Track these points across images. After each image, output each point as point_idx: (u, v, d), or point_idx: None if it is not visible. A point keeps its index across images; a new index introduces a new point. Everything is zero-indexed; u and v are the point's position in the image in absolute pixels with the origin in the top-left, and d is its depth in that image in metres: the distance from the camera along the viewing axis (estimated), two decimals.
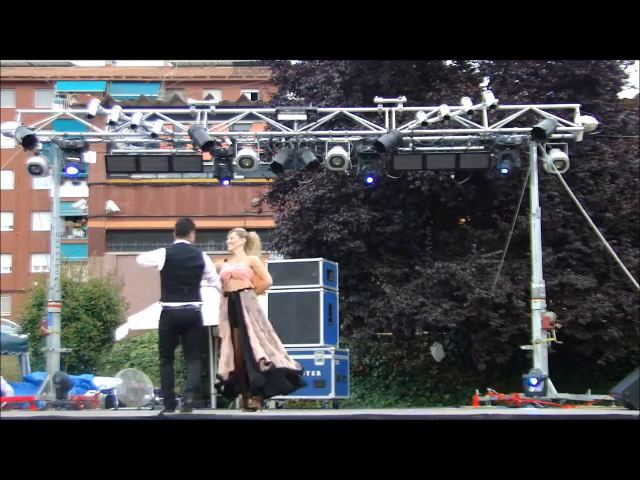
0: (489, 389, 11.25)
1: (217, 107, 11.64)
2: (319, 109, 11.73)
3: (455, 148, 11.49)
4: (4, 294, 26.79)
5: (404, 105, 11.40)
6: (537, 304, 10.84)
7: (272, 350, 7.76)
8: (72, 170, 11.36)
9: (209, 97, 22.22)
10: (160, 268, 7.60)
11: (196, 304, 7.63)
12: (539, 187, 11.37)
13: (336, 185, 13.74)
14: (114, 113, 11.12)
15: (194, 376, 7.85)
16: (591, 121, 11.40)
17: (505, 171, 11.17)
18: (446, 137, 11.53)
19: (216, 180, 11.88)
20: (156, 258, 7.66)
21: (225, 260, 8.07)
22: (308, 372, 10.38)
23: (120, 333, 15.27)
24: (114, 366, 18.07)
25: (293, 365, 7.90)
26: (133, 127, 11.20)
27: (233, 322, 7.82)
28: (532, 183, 11.20)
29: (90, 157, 12.18)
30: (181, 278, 7.60)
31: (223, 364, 7.86)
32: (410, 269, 13.57)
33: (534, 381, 10.29)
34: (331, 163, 11.25)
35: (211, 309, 8.21)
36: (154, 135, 11.19)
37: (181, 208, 25.79)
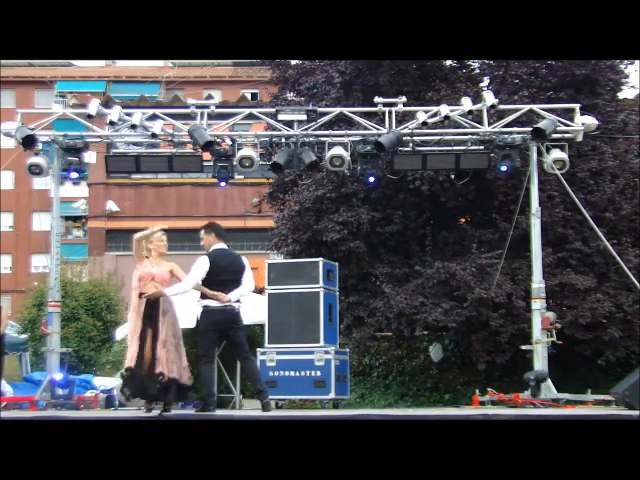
0: (489, 389, 11.25)
1: (217, 107, 11.64)
2: (319, 109, 11.72)
3: (455, 148, 11.49)
4: (4, 294, 26.78)
5: (404, 105, 11.40)
6: (537, 304, 10.84)
7: (174, 358, 7.71)
8: (73, 174, 11.42)
9: (209, 97, 22.22)
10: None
11: (235, 305, 7.93)
12: (539, 187, 11.37)
13: (336, 185, 13.74)
14: (114, 113, 11.11)
15: (256, 374, 8.19)
16: (591, 121, 11.40)
17: (504, 169, 11.17)
18: (446, 137, 11.53)
19: (216, 180, 11.88)
20: (204, 271, 7.87)
21: (146, 257, 8.00)
22: (308, 372, 10.41)
23: (120, 333, 15.25)
24: (114, 366, 18.04)
25: (186, 379, 7.82)
26: (133, 127, 11.20)
27: (147, 323, 7.70)
28: (532, 183, 11.20)
29: (90, 157, 12.19)
30: (223, 281, 7.88)
31: (127, 360, 7.69)
32: (410, 269, 13.56)
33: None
34: (331, 163, 11.25)
35: (247, 309, 8.49)
36: (154, 135, 11.19)
37: (181, 208, 25.82)
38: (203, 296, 7.90)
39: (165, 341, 7.67)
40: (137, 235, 8.01)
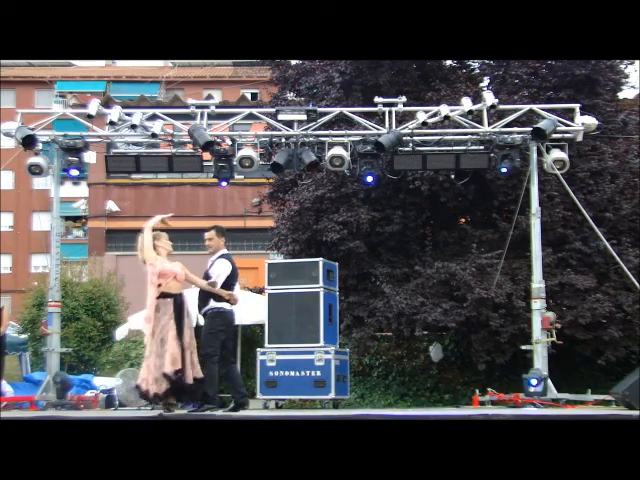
0: (489, 389, 11.25)
1: (217, 107, 11.65)
2: (319, 109, 11.72)
3: (455, 148, 11.49)
4: (4, 294, 26.79)
5: (404, 105, 11.40)
6: (537, 304, 10.84)
7: (195, 360, 7.54)
8: (74, 172, 11.40)
9: (209, 97, 22.21)
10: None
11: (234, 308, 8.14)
12: (539, 187, 11.38)
13: (336, 185, 13.72)
14: (114, 113, 11.12)
15: (241, 380, 8.46)
16: (591, 121, 11.40)
17: (504, 170, 11.21)
18: (446, 137, 11.54)
19: (216, 180, 11.88)
20: (226, 275, 8.04)
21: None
22: (308, 372, 10.41)
23: (120, 333, 15.28)
24: (114, 366, 18.06)
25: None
26: (133, 127, 11.21)
27: (178, 323, 7.50)
28: (532, 183, 11.20)
29: (90, 157, 12.19)
30: (233, 285, 8.12)
31: (169, 363, 7.36)
32: (410, 269, 13.54)
33: (534, 382, 10.29)
34: (331, 163, 11.25)
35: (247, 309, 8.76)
36: (154, 135, 11.20)
37: (181, 208, 25.78)
38: (217, 299, 7.93)
39: (189, 343, 7.55)
40: (149, 224, 7.76)
